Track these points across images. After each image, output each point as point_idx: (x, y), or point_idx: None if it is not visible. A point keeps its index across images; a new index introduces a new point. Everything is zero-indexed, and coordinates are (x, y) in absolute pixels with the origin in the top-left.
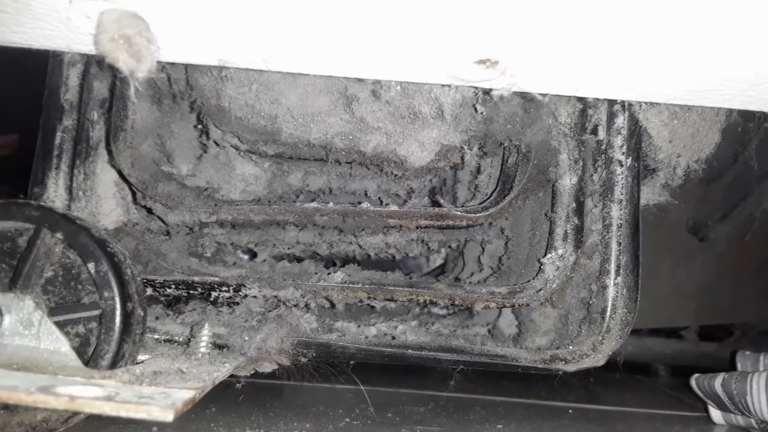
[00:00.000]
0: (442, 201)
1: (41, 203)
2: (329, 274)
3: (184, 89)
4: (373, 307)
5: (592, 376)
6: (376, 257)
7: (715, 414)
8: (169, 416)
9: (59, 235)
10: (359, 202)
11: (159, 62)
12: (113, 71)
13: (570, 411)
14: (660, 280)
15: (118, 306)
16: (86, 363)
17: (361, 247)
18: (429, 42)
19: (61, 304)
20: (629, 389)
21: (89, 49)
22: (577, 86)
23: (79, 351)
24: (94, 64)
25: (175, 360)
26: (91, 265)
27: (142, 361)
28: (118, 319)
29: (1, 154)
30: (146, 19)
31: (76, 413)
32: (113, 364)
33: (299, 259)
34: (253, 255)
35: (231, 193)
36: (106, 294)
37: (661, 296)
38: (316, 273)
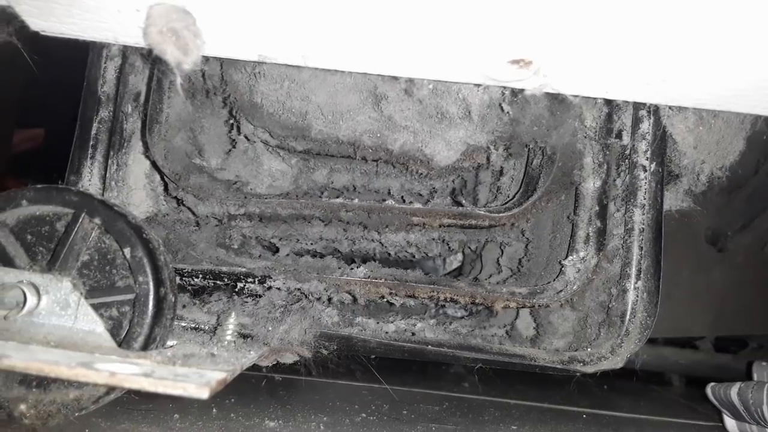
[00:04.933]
0: (463, 201)
1: (80, 189)
2: (352, 269)
3: (218, 85)
4: (391, 304)
5: (606, 383)
6: (395, 256)
7: (730, 423)
8: (204, 393)
9: (97, 221)
10: (383, 200)
11: (203, 56)
12: (154, 64)
13: (584, 416)
14: (677, 289)
15: (151, 290)
16: (119, 345)
17: (382, 244)
18: (466, 41)
19: (96, 287)
20: (643, 397)
21: (136, 41)
22: (607, 88)
23: (112, 333)
24: (132, 57)
25: (203, 346)
26: (126, 251)
27: (171, 346)
28: (151, 303)
29: (27, 147)
30: (193, 14)
31: (107, 393)
32: (145, 347)
33: (320, 256)
34: (276, 250)
35: (258, 187)
36: (140, 279)
37: (678, 306)
38: (339, 268)
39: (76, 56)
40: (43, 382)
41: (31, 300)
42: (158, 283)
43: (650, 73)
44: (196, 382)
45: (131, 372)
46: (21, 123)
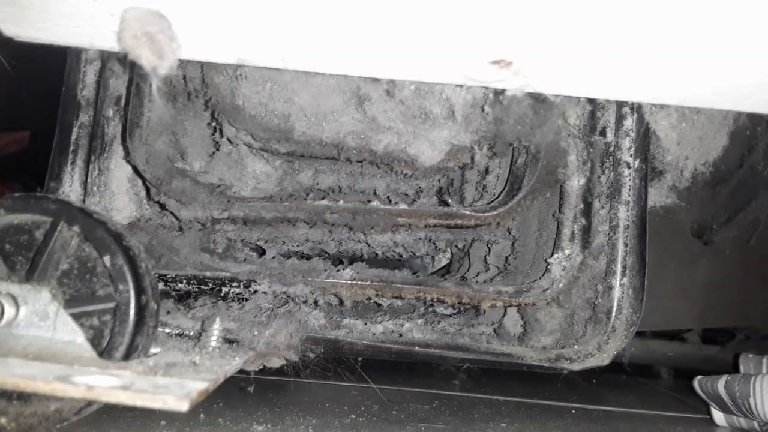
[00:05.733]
0: (449, 201)
1: (59, 197)
2: (338, 271)
3: (199, 87)
4: (379, 305)
5: (595, 378)
6: (383, 256)
7: (718, 416)
8: (184, 406)
9: (76, 229)
10: (368, 201)
11: (180, 60)
12: (133, 68)
13: (573, 411)
14: (664, 282)
15: (132, 299)
16: (100, 355)
17: (369, 245)
18: (446, 43)
19: (76, 296)
20: (632, 391)
21: (111, 45)
22: (588, 88)
23: (93, 343)
24: (111, 61)
25: (187, 353)
26: (106, 259)
27: (154, 354)
28: (132, 312)
29: (12, 150)
30: (168, 18)
31: (89, 404)
32: (127, 356)
33: (307, 257)
34: (262, 252)
35: (242, 190)
36: (121, 287)
37: (665, 299)
38: (325, 270)
39: (61, 59)
40: (23, 395)
41: (9, 311)
42: (139, 291)
43: (631, 72)
44: (176, 393)
45: (109, 385)
46: (6, 126)
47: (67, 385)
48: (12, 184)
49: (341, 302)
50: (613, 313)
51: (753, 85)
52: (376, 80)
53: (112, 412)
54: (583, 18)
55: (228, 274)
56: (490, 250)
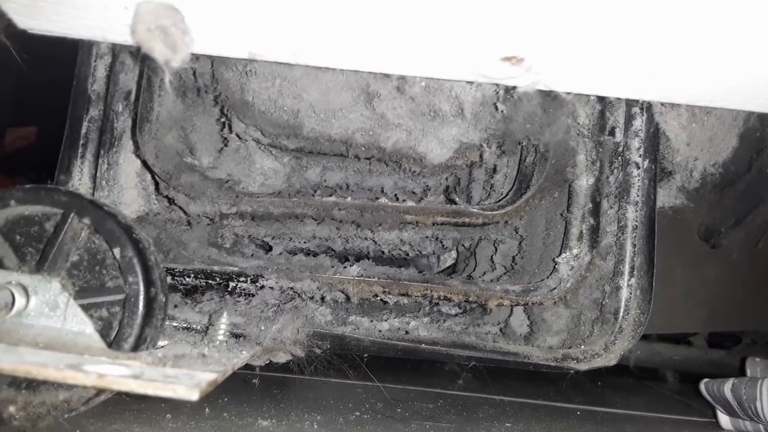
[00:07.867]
0: (457, 199)
1: (69, 189)
2: (345, 268)
3: (209, 83)
4: (385, 303)
5: (600, 380)
6: (389, 254)
7: (724, 419)
8: (194, 395)
9: (86, 221)
10: (376, 198)
11: (192, 53)
12: (144, 62)
13: (578, 413)
14: (671, 286)
15: (141, 291)
16: (109, 346)
17: (376, 243)
18: (457, 39)
19: (85, 287)
20: (637, 393)
21: (124, 39)
22: (599, 85)
23: (102, 334)
24: (122, 56)
25: (195, 346)
26: (116, 251)
27: (162, 346)
28: (141, 304)
29: (19, 145)
30: (182, 11)
31: (97, 394)
32: (135, 348)
33: (314, 254)
34: (269, 249)
35: (250, 186)
36: (130, 279)
37: (671, 302)
38: (332, 267)
39: (70, 53)
40: (32, 384)
41: (20, 301)
42: (148, 283)
43: (642, 70)
44: (186, 383)
45: (120, 374)
46: (13, 121)
47: (79, 373)
48: (18, 179)
49: (348, 299)
50: (621, 314)
51: (763, 84)
52: (385, 77)
53: (118, 404)
54: (595, 14)
55: (236, 269)
56: (496, 250)
